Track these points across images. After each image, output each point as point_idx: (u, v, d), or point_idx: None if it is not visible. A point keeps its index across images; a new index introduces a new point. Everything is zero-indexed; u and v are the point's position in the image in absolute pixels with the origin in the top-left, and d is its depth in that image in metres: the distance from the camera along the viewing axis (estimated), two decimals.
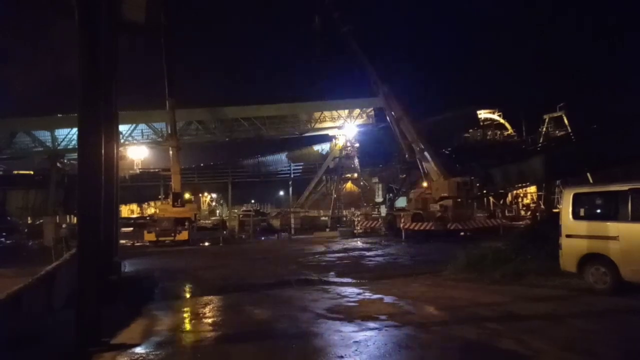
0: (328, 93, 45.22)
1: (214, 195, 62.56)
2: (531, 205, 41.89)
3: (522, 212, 40.48)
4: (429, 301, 9.45)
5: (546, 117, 45.59)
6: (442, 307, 8.90)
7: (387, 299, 9.90)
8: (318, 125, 45.19)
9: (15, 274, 13.62)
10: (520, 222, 31.40)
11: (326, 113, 45.08)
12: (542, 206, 38.52)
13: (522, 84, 78.99)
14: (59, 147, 41.90)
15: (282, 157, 50.22)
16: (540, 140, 43.26)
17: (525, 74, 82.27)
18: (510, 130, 49.77)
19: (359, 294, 10.64)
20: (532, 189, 42.00)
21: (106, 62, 9.99)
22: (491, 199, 39.72)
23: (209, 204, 63.59)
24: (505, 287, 10.50)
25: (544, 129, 45.31)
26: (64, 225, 27.31)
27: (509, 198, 42.58)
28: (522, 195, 43.54)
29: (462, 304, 9.09)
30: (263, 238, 32.08)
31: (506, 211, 37.67)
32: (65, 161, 43.63)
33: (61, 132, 41.88)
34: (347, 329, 7.58)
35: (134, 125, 42.81)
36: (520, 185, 38.55)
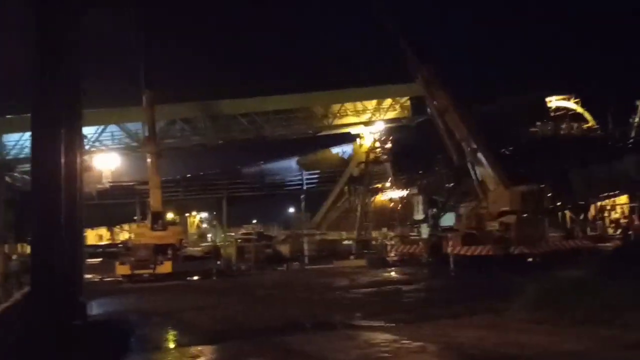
0: (349, 79, 45.25)
1: (205, 215, 62.96)
2: (622, 220, 41.11)
3: (610, 230, 39.68)
4: (488, 350, 9.30)
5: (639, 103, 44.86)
6: (507, 359, 8.74)
7: (432, 348, 9.78)
8: (337, 122, 45.26)
9: None
10: (608, 244, 30.77)
11: (348, 105, 45.11)
12: (637, 222, 37.74)
13: (606, 61, 77.96)
14: (7, 157, 42.84)
15: (292, 163, 50.38)
16: (633, 134, 42.54)
17: (611, 47, 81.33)
18: (592, 122, 49.07)
19: (393, 341, 10.54)
20: (623, 199, 41.21)
21: (68, 46, 10.20)
22: (568, 213, 39.08)
23: (198, 226, 64.02)
24: (590, 330, 10.28)
25: (637, 119, 44.58)
26: (14, 257, 27.84)
27: (592, 212, 41.85)
28: (609, 208, 42.77)
29: (533, 353, 8.94)
30: (268, 269, 32.11)
31: (589, 229, 36.99)
32: (17, 174, 44.55)
33: (10, 138, 42.82)
34: None
35: (102, 126, 43.52)
36: (607, 194, 37.83)
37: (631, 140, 41.00)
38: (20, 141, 42.30)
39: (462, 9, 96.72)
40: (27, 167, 38.78)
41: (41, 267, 7.59)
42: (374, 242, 40.42)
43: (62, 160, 8.84)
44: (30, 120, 7.96)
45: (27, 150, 39.91)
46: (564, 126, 47.19)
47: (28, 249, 28.29)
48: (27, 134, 35.30)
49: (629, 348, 8.96)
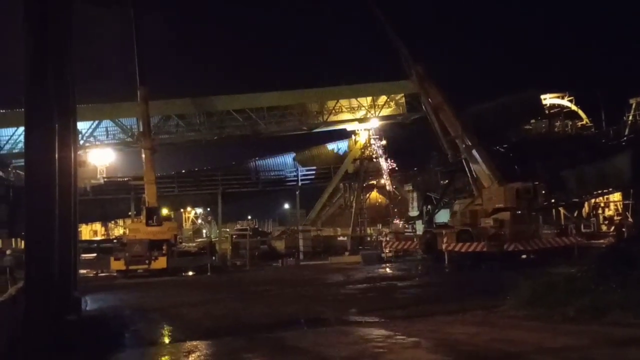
0: (345, 76, 45.28)
1: (200, 211, 62.96)
2: (615, 218, 41.33)
3: (604, 228, 39.87)
4: (481, 347, 9.35)
5: (633, 101, 45.05)
6: (500, 355, 8.79)
7: (426, 343, 9.81)
8: (333, 118, 45.22)
9: None
10: (601, 241, 30.95)
11: (343, 102, 45.10)
12: (630, 219, 37.95)
13: (600, 59, 78.28)
14: (1, 152, 42.63)
15: (287, 159, 50.35)
16: (626, 132, 42.71)
17: (604, 46, 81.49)
18: (586, 120, 49.28)
19: (388, 337, 10.57)
20: (617, 196, 41.43)
21: (60, 41, 10.18)
22: (562, 210, 39.25)
23: (193, 222, 64.02)
24: (581, 326, 10.35)
25: (631, 117, 44.76)
26: (8, 252, 27.71)
27: (586, 209, 42.03)
28: (602, 205, 42.98)
29: (526, 349, 8.97)
30: (263, 265, 32.14)
31: (582, 226, 37.16)
32: (10, 169, 44.35)
33: (4, 133, 42.61)
34: None
35: (96, 122, 43.33)
36: (600, 191, 38.02)
37: (624, 138, 41.14)
38: (14, 136, 42.10)
39: (459, 8, 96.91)
40: (21, 162, 38.63)
41: (36, 263, 7.57)
42: (369, 239, 40.48)
43: (56, 156, 8.83)
44: (24, 115, 7.92)
45: (21, 145, 39.71)
46: (558, 124, 47.37)
47: (22, 244, 28.21)
48: (21, 129, 35.20)
49: (619, 345, 9.03)
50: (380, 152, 44.41)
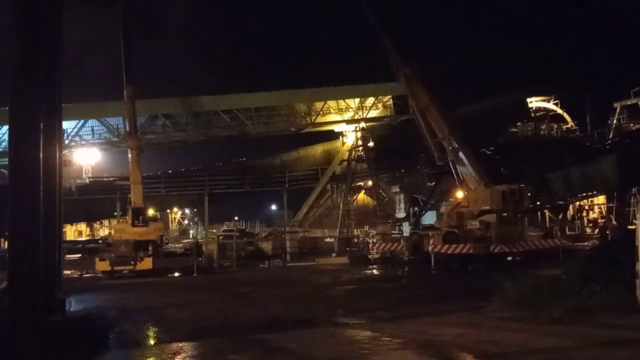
0: (333, 78, 45.34)
1: (187, 211, 62.76)
2: (599, 220, 41.75)
3: (588, 230, 40.25)
4: (467, 348, 9.39)
5: (617, 105, 45.55)
6: (485, 356, 8.83)
7: (412, 345, 9.85)
8: (320, 119, 45.28)
9: None
10: (586, 243, 31.24)
11: (331, 103, 45.17)
12: (614, 222, 38.33)
13: (585, 63, 79.15)
14: None
15: (275, 160, 50.36)
16: (611, 136, 43.22)
17: (589, 49, 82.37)
18: (571, 123, 49.79)
19: (374, 338, 10.60)
20: (601, 199, 41.84)
21: (48, 38, 10.06)
22: (547, 212, 39.57)
23: (179, 223, 63.78)
24: (566, 327, 10.45)
25: (615, 121, 45.28)
26: None
27: (571, 212, 42.41)
28: (587, 207, 43.40)
29: (511, 350, 9.04)
30: (250, 266, 32.06)
31: (567, 229, 37.51)
32: None
33: None
34: None
35: (82, 121, 42.96)
36: (585, 194, 38.39)
37: (609, 142, 41.63)
38: None
39: (446, 11, 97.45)
40: (4, 161, 38.21)
41: (19, 263, 7.48)
42: (356, 240, 40.56)
43: (41, 155, 8.74)
44: (9, 113, 7.83)
45: (5, 144, 39.30)
46: (543, 127, 47.80)
47: (5, 244, 27.88)
48: (5, 127, 34.83)
49: (603, 346, 9.12)
50: (367, 153, 44.49)
